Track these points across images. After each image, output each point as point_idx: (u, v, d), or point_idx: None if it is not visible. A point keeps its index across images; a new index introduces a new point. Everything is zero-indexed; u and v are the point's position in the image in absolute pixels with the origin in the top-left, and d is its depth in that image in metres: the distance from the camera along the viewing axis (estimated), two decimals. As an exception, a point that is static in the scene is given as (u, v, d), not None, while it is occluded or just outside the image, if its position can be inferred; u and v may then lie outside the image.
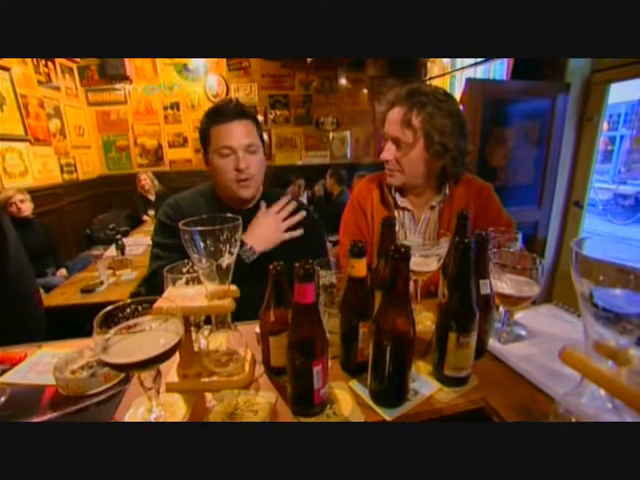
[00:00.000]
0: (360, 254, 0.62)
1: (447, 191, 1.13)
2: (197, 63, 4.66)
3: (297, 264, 0.52)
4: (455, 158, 1.05)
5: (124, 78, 4.49)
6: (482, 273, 0.69)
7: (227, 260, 0.63)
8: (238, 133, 1.02)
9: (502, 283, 0.78)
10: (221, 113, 1.03)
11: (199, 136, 1.09)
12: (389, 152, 1.07)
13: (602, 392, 0.46)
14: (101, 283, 2.14)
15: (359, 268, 0.63)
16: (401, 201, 1.16)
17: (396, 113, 1.05)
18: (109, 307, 0.55)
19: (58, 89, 3.96)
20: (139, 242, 2.91)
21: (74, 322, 1.90)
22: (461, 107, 2.33)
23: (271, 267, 0.65)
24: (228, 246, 0.62)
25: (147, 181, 4.11)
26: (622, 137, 8.67)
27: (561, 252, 2.80)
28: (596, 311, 0.43)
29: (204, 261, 0.63)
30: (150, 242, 1.14)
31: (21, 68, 3.29)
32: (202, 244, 0.61)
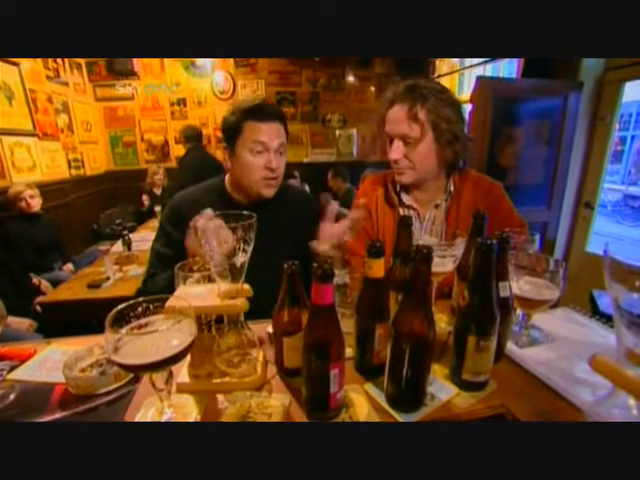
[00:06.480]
0: (378, 254, 0.60)
1: (452, 188, 1.11)
2: (204, 60, 4.63)
3: (315, 264, 0.50)
4: (465, 144, 1.04)
5: (132, 74, 4.49)
6: (502, 275, 0.67)
7: (241, 258, 0.62)
8: (274, 133, 1.04)
9: (520, 286, 0.75)
10: (262, 112, 1.03)
11: (225, 128, 1.06)
12: (397, 151, 1.04)
13: (632, 402, 0.44)
14: (107, 278, 2.14)
15: (377, 269, 0.61)
16: (406, 199, 1.14)
17: (398, 110, 1.02)
18: (120, 306, 0.53)
19: (66, 84, 3.96)
20: (145, 238, 2.89)
21: (81, 316, 1.92)
22: (470, 105, 2.31)
23: (285, 266, 0.63)
24: (242, 244, 0.61)
25: (159, 176, 4.08)
26: (633, 137, 8.52)
27: (570, 254, 2.76)
28: (630, 318, 0.42)
29: (217, 259, 0.61)
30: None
31: (30, 63, 3.29)
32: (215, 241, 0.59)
